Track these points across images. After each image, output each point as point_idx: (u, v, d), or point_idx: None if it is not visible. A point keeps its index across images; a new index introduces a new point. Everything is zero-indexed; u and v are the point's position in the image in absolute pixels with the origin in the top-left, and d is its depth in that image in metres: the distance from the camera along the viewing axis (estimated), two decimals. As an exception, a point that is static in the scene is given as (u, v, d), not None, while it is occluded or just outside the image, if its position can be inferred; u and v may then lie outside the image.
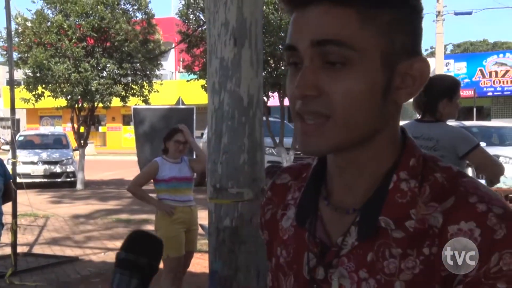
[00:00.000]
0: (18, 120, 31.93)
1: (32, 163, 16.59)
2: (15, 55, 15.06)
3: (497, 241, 0.77)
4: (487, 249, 0.77)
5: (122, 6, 16.17)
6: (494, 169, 3.69)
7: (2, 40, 15.45)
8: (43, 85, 15.43)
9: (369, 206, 0.86)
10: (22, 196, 8.04)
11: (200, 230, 5.48)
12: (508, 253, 0.76)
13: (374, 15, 0.81)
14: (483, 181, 7.29)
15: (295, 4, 0.85)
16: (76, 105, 15.93)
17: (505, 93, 26.81)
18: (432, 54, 33.17)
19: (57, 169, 16.89)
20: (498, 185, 7.33)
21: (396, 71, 0.83)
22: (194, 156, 5.56)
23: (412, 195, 0.84)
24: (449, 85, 3.58)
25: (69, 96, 15.34)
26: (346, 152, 0.86)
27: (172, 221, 5.03)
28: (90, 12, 15.20)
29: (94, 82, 15.20)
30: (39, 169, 16.66)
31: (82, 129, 16.64)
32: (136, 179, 5.30)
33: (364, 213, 0.86)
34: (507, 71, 26.54)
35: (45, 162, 16.85)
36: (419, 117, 3.64)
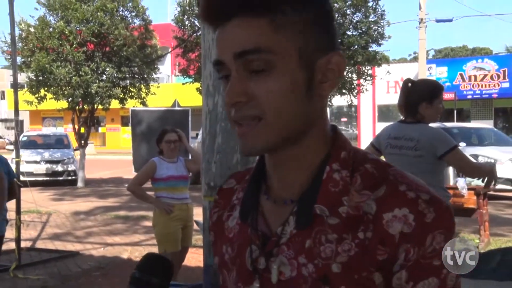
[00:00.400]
0: (22, 121, 31.77)
1: (35, 162, 16.56)
2: (19, 60, 15.02)
3: (428, 224, 0.81)
4: (421, 232, 0.81)
5: (121, 12, 16.16)
6: (469, 171, 3.70)
7: (6, 45, 15.41)
8: (46, 88, 15.40)
9: (305, 196, 0.88)
10: (26, 194, 8.00)
11: (195, 226, 5.47)
12: (439, 233, 0.81)
13: (286, 21, 0.83)
14: (463, 179, 7.25)
15: (215, 23, 0.87)
16: (77, 107, 15.92)
17: (483, 96, 26.95)
18: (415, 59, 33.31)
19: (59, 168, 16.85)
20: (477, 182, 7.33)
21: (316, 67, 0.86)
22: (190, 158, 5.57)
23: (344, 183, 0.86)
24: (429, 89, 3.55)
25: (70, 98, 15.32)
26: (280, 150, 0.88)
27: (169, 218, 5.02)
28: (90, 18, 15.17)
29: (94, 85, 15.17)
30: (42, 168, 16.63)
31: (82, 130, 16.60)
32: (135, 179, 5.28)
33: (301, 203, 0.88)
34: (485, 75, 26.68)
35: (47, 161, 16.80)
36: (403, 119, 3.64)
